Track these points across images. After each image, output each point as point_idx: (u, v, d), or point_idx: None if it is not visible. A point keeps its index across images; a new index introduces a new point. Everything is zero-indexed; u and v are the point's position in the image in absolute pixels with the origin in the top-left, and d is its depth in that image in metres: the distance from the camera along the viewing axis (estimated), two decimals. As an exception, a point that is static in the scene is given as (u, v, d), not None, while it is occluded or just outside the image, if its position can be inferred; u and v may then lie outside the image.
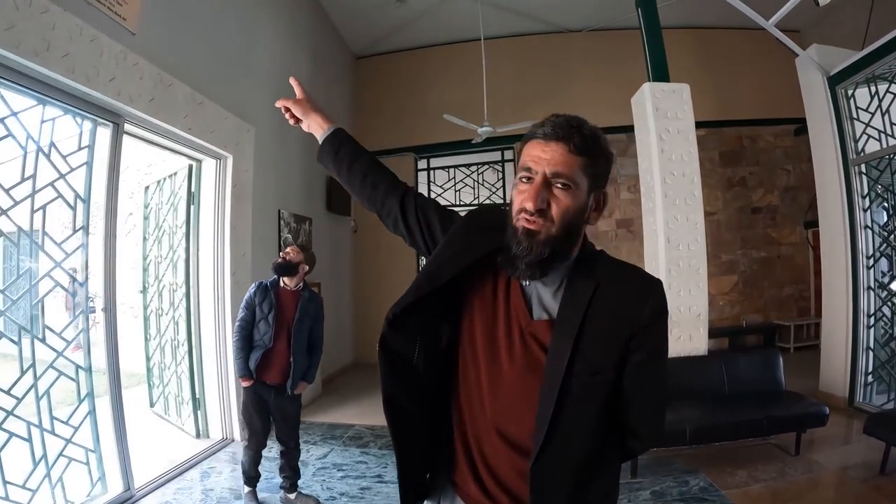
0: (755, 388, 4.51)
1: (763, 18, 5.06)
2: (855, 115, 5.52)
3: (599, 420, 1.20)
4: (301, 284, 3.75)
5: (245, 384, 3.59)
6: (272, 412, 3.68)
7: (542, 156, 1.13)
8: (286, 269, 3.64)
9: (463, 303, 1.29)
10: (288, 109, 1.67)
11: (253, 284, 3.72)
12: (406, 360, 1.24)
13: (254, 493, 3.72)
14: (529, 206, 1.11)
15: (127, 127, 3.84)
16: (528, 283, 1.22)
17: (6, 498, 2.89)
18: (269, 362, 3.58)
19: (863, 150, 5.46)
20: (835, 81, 5.56)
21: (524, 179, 1.15)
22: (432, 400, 1.31)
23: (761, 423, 4.07)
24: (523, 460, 1.14)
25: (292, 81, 1.71)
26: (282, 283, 3.69)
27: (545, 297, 1.22)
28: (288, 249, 3.72)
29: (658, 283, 1.22)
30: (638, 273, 1.25)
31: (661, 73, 5.27)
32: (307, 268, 3.72)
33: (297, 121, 1.67)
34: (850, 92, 5.53)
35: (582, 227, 1.19)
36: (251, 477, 3.72)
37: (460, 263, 1.23)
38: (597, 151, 1.16)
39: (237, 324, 3.63)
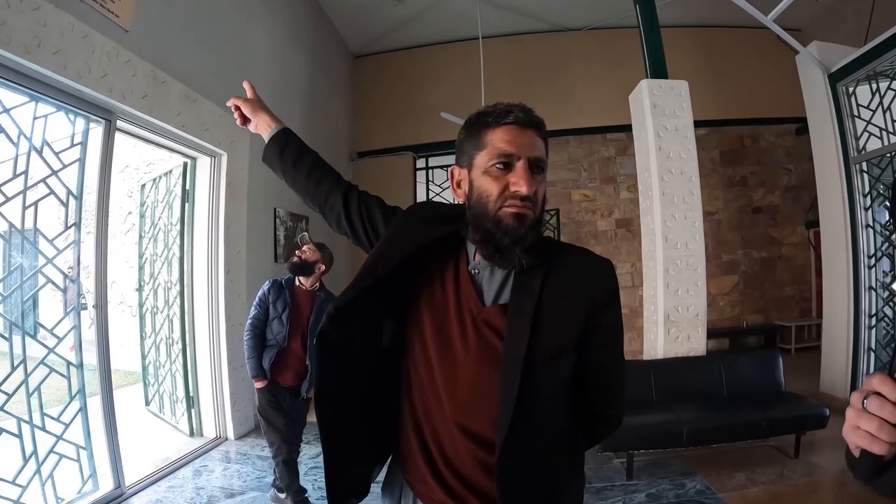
0: (755, 389, 4.47)
1: (763, 15, 5.03)
2: (856, 113, 5.47)
3: (563, 406, 1.21)
4: (318, 285, 3.62)
5: (259, 385, 3.45)
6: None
7: (521, 141, 1.12)
8: (301, 268, 3.51)
9: (409, 296, 1.26)
10: (238, 108, 1.65)
11: (267, 281, 3.60)
12: (346, 356, 1.21)
13: None
14: (524, 190, 1.09)
15: (120, 124, 3.83)
16: (477, 270, 1.21)
17: (-5, 494, 2.88)
18: (284, 363, 3.48)
19: (864, 147, 5.40)
20: (835, 79, 5.51)
21: (500, 166, 1.12)
22: (375, 398, 1.28)
23: (760, 425, 4.03)
24: (488, 454, 1.11)
25: (245, 85, 1.69)
26: (297, 283, 3.57)
27: (495, 284, 1.20)
28: (304, 248, 3.57)
29: (609, 262, 1.24)
30: (588, 254, 1.26)
31: (659, 70, 5.24)
32: (324, 267, 3.55)
33: (245, 121, 1.66)
34: (850, 89, 5.48)
35: None
36: (297, 490, 3.53)
37: (402, 253, 1.20)
38: (547, 138, 1.21)
39: (249, 321, 3.51)
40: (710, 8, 7.50)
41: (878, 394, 0.67)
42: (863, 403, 0.68)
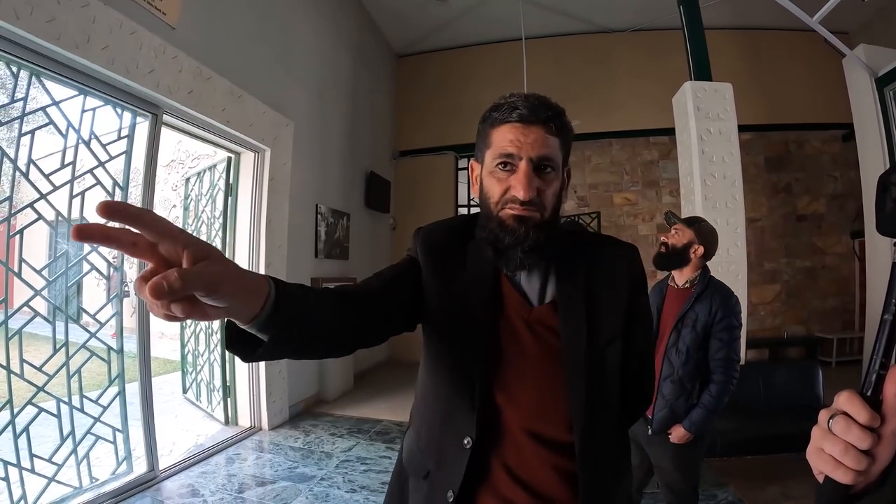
0: (793, 401, 4.39)
1: (809, 17, 4.91)
2: (903, 118, 5.31)
3: (619, 388, 1.20)
4: (696, 277, 2.58)
5: None
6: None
7: (523, 140, 1.07)
8: (667, 259, 2.61)
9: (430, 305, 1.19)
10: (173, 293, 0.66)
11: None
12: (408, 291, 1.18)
13: None
14: (521, 195, 1.05)
15: (166, 118, 3.93)
16: (514, 274, 1.17)
17: (32, 470, 2.98)
18: None
19: (913, 154, 5.24)
20: (883, 83, 5.34)
21: (502, 166, 1.09)
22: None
23: (796, 439, 3.94)
24: (561, 457, 1.10)
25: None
26: (671, 280, 2.70)
27: (536, 283, 1.18)
28: (672, 230, 2.64)
29: (636, 248, 1.26)
30: (617, 241, 1.28)
31: (703, 73, 5.17)
32: (702, 249, 2.54)
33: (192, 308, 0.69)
34: (898, 94, 5.32)
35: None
36: None
37: (483, 295, 1.17)
38: (567, 130, 1.14)
39: None
40: (755, 10, 7.34)
41: (846, 413, 0.60)
42: (828, 423, 0.61)
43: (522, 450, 1.11)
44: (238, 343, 0.85)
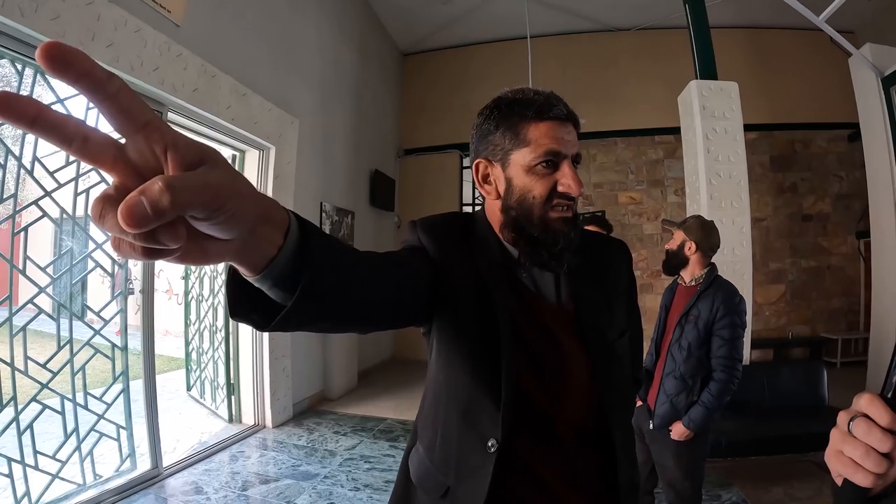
0: (797, 402, 4.37)
1: (815, 16, 4.89)
2: (910, 118, 5.28)
3: (630, 377, 1.29)
4: (702, 275, 2.63)
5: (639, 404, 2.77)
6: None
7: (566, 138, 1.05)
8: (669, 264, 2.71)
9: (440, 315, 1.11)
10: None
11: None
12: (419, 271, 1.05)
13: None
14: (576, 192, 1.04)
15: (170, 116, 3.93)
16: (526, 274, 1.14)
17: (35, 467, 2.98)
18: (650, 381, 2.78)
19: (919, 155, 5.22)
20: (889, 82, 5.31)
21: (545, 165, 1.04)
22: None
23: (800, 439, 3.93)
24: (594, 450, 1.12)
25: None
26: (680, 279, 2.76)
27: (549, 281, 1.15)
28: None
29: (624, 242, 1.35)
30: (613, 239, 1.35)
31: (708, 71, 5.15)
32: (694, 245, 2.60)
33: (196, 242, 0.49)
34: (905, 94, 5.29)
35: None
36: None
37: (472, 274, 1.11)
38: None
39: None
40: (761, 9, 7.33)
41: (867, 416, 0.59)
42: (848, 425, 0.60)
43: (553, 446, 1.08)
44: (245, 309, 0.66)
